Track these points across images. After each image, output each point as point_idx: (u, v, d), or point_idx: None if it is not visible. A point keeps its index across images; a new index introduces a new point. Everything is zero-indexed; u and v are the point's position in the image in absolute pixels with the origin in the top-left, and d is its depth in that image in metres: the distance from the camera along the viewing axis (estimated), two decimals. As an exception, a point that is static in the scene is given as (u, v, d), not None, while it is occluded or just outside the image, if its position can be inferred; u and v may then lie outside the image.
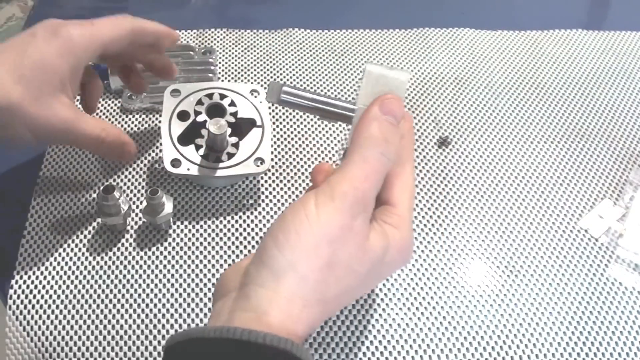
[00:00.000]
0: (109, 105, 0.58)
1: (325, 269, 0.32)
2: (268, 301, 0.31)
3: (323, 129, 0.57)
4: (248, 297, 0.32)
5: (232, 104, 0.51)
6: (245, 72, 0.62)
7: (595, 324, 0.46)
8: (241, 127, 0.50)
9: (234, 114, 0.51)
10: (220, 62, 0.62)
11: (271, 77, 0.61)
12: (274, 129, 0.57)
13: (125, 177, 0.53)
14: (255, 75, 0.61)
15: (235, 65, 0.62)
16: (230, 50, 0.64)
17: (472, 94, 0.61)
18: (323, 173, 0.38)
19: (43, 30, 0.43)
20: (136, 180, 0.53)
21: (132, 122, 0.57)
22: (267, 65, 0.62)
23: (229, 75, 0.61)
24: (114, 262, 0.48)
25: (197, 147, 0.49)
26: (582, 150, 0.57)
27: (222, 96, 0.51)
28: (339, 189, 0.32)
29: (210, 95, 0.51)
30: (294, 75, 0.62)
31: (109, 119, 0.57)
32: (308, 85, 0.61)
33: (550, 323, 0.46)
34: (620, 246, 0.50)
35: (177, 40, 0.50)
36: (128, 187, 0.52)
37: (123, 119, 0.57)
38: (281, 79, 0.61)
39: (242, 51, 0.64)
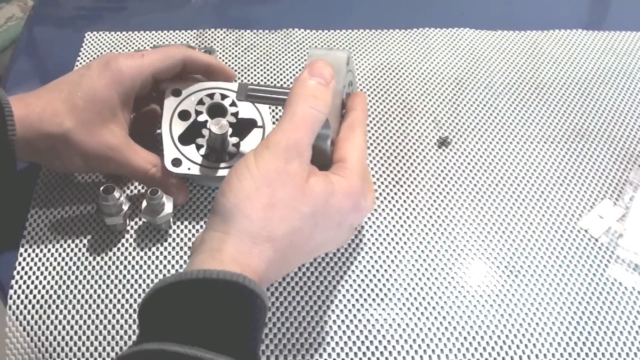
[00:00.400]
0: (109, 105, 0.58)
1: (268, 208, 0.35)
2: (219, 241, 0.35)
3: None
4: (204, 241, 0.36)
5: (233, 104, 0.51)
6: (245, 72, 0.62)
7: (595, 324, 0.46)
8: (242, 127, 0.50)
9: (235, 114, 0.51)
10: (220, 62, 0.62)
11: (271, 77, 0.61)
12: None
13: (126, 177, 0.53)
14: (255, 75, 0.61)
15: (235, 65, 0.62)
16: (230, 50, 0.64)
17: (472, 94, 0.61)
18: None
19: (97, 63, 0.46)
20: (136, 180, 0.53)
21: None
22: (267, 65, 0.62)
23: (229, 75, 0.61)
24: (114, 262, 0.48)
25: (198, 147, 0.49)
26: (582, 150, 0.57)
27: (223, 96, 0.51)
28: (272, 139, 0.37)
29: (211, 95, 0.51)
30: (294, 75, 0.62)
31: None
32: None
33: (550, 323, 0.46)
34: (620, 246, 0.50)
35: (234, 78, 0.53)
36: (128, 187, 0.52)
37: (123, 119, 0.57)
38: (281, 79, 0.61)
39: (242, 51, 0.64)
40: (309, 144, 0.38)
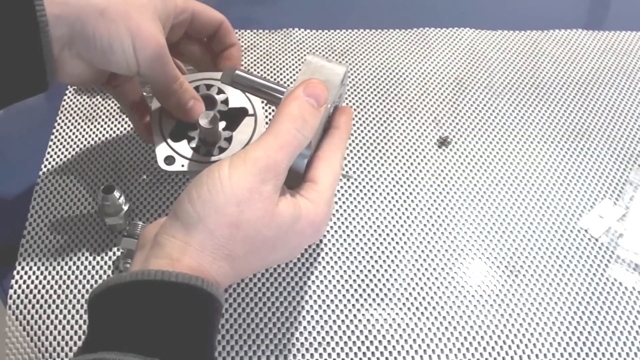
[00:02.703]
0: (108, 104, 0.58)
1: (233, 227, 0.34)
2: (180, 250, 0.34)
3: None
4: (161, 245, 0.34)
5: (222, 93, 0.50)
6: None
7: (595, 324, 0.46)
8: (233, 116, 0.49)
9: (225, 103, 0.50)
10: (220, 62, 0.62)
11: (271, 77, 0.61)
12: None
13: (125, 177, 0.53)
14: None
15: (235, 65, 0.62)
16: (230, 50, 0.64)
17: (472, 94, 0.61)
18: None
19: None
20: (136, 180, 0.53)
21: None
22: (267, 65, 0.62)
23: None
24: (114, 263, 0.48)
25: (190, 142, 0.48)
26: (582, 150, 0.57)
27: (210, 86, 0.50)
28: (252, 154, 0.35)
29: (198, 88, 0.50)
30: (294, 75, 0.62)
31: (109, 119, 0.57)
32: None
33: (550, 323, 0.46)
34: (620, 246, 0.50)
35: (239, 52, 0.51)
36: (128, 187, 0.52)
37: (123, 120, 0.57)
38: (281, 79, 0.61)
39: (242, 51, 0.64)
40: (287, 165, 0.36)
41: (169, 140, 0.47)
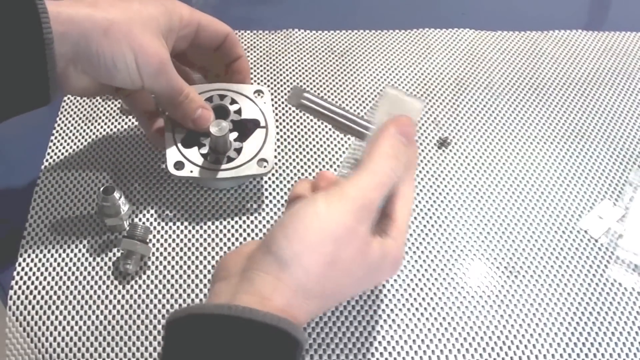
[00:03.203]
0: (108, 106, 0.58)
1: (328, 266, 0.33)
2: (272, 288, 0.32)
3: (327, 132, 0.57)
4: (252, 281, 0.33)
5: (235, 103, 0.51)
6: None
7: (595, 324, 0.46)
8: (245, 127, 0.50)
9: (238, 114, 0.50)
10: (220, 63, 0.62)
11: (271, 78, 0.61)
12: (278, 131, 0.57)
13: (126, 177, 0.53)
14: (255, 75, 0.61)
15: (235, 65, 0.62)
16: (230, 51, 0.64)
17: (472, 94, 0.61)
18: (326, 180, 0.40)
19: None
20: (136, 181, 0.53)
21: (133, 123, 0.57)
22: (268, 65, 0.62)
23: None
24: (113, 263, 0.48)
25: (200, 149, 0.48)
26: (582, 150, 0.57)
27: (223, 97, 0.51)
28: (349, 193, 0.34)
29: (210, 98, 0.51)
30: (294, 75, 0.62)
31: (109, 120, 0.57)
32: (308, 85, 0.61)
33: (550, 323, 0.46)
34: (620, 247, 0.51)
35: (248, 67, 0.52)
36: (128, 188, 0.52)
37: (123, 120, 0.57)
38: (281, 80, 0.61)
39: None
40: (380, 205, 0.36)
41: (180, 146, 0.48)
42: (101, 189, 0.46)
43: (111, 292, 0.46)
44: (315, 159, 0.55)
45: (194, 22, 0.47)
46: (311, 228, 0.33)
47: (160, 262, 0.48)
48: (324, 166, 0.54)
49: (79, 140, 0.55)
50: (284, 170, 0.54)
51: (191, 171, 0.47)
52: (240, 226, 0.50)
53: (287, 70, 0.62)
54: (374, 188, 0.35)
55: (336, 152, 0.56)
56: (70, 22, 0.39)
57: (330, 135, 0.57)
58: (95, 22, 0.40)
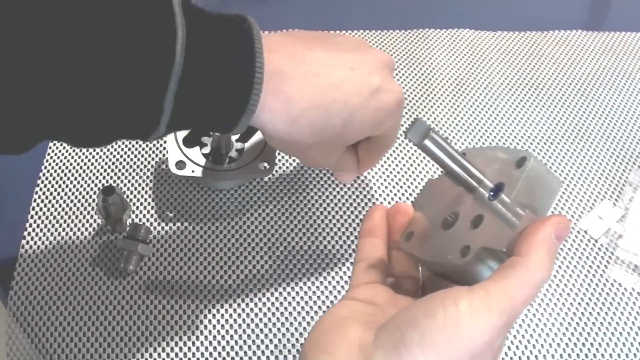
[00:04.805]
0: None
1: None
2: None
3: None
4: None
5: None
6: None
7: (594, 324, 0.46)
8: (246, 129, 0.50)
9: None
10: (220, 63, 0.62)
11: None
12: None
13: (126, 178, 0.53)
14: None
15: (235, 65, 0.62)
16: (230, 51, 0.64)
17: (472, 94, 0.61)
18: (403, 214, 0.36)
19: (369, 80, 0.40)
20: (136, 181, 0.53)
21: (132, 123, 0.57)
22: (267, 65, 0.62)
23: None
24: (113, 264, 0.48)
25: (202, 149, 0.49)
26: (582, 150, 0.57)
27: None
28: (498, 305, 0.29)
29: None
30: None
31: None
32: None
33: (550, 323, 0.46)
34: (620, 247, 0.51)
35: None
36: (128, 188, 0.52)
37: (123, 120, 0.57)
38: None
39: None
40: None
41: (182, 146, 0.48)
42: (101, 189, 0.46)
43: (111, 292, 0.46)
44: (315, 159, 0.55)
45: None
46: (452, 341, 0.28)
47: (161, 263, 0.48)
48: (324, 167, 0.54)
49: (79, 141, 0.55)
50: (284, 171, 0.54)
51: (193, 171, 0.47)
52: (241, 227, 0.50)
53: (287, 70, 0.62)
54: (523, 302, 0.30)
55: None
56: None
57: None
58: (297, 139, 0.37)
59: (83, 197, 0.51)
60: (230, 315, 0.46)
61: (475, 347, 0.29)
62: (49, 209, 0.51)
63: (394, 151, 0.56)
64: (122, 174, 0.53)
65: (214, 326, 0.45)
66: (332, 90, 0.37)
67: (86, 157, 0.54)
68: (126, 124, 0.33)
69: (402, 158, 0.55)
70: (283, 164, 0.54)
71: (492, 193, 0.33)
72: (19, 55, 0.30)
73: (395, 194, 0.53)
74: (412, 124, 0.32)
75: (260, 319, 0.46)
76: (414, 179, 0.54)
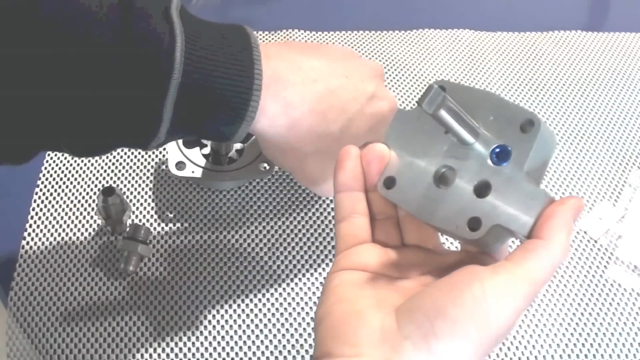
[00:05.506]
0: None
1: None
2: None
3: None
4: None
5: None
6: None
7: (594, 324, 0.46)
8: None
9: None
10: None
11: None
12: None
13: (126, 178, 0.53)
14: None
15: (235, 66, 0.62)
16: (230, 51, 0.64)
17: (471, 95, 0.61)
18: (380, 160, 0.34)
19: (363, 88, 0.41)
20: (136, 181, 0.53)
21: (132, 123, 0.57)
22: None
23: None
24: (113, 264, 0.48)
25: (202, 150, 0.49)
26: (582, 151, 0.57)
27: None
28: (523, 289, 0.28)
29: None
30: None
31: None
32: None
33: (550, 324, 0.46)
34: (620, 247, 0.51)
35: None
36: (128, 189, 0.52)
37: (123, 120, 0.57)
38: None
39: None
40: None
41: (182, 146, 0.48)
42: (101, 190, 0.46)
43: (111, 292, 0.46)
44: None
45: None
46: (481, 329, 0.27)
47: (161, 263, 0.48)
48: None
49: (79, 141, 0.55)
50: (284, 172, 0.54)
51: (193, 172, 0.47)
52: (241, 227, 0.50)
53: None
54: (544, 283, 0.29)
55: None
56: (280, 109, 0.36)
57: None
58: (294, 142, 0.37)
59: (83, 197, 0.51)
60: (230, 315, 0.46)
61: (501, 331, 0.28)
62: (49, 209, 0.51)
63: (393, 152, 0.56)
64: (122, 175, 0.53)
65: (214, 326, 0.45)
66: (329, 96, 0.37)
67: (87, 158, 0.54)
68: (125, 133, 0.33)
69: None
70: (283, 165, 0.54)
71: (495, 157, 0.30)
72: (21, 69, 0.30)
73: (395, 195, 0.53)
74: (427, 92, 0.29)
75: (260, 319, 0.46)
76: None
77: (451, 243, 0.49)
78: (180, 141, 0.49)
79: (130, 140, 0.34)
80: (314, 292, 0.47)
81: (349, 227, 0.33)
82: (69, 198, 0.51)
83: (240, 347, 0.44)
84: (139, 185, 0.52)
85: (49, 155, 0.54)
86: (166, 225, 0.50)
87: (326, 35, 0.66)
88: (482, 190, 0.30)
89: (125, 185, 0.52)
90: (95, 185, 0.52)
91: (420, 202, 0.32)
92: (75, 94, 0.31)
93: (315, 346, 0.29)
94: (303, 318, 0.46)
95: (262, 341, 0.45)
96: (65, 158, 0.54)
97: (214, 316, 0.46)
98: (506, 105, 0.31)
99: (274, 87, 0.35)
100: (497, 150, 0.30)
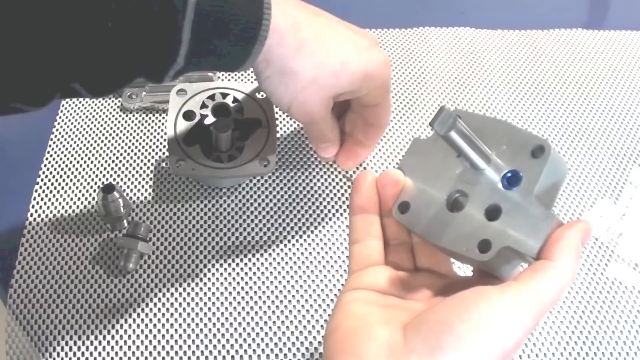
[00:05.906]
0: (108, 104, 0.58)
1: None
2: None
3: (323, 128, 0.57)
4: None
5: (237, 102, 0.51)
6: (245, 73, 0.62)
7: (595, 323, 0.46)
8: (247, 126, 0.50)
9: (240, 113, 0.51)
10: (220, 62, 0.62)
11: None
12: (280, 130, 0.56)
13: (126, 176, 0.53)
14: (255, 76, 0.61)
15: (235, 64, 0.62)
16: (230, 50, 0.64)
17: (472, 93, 0.61)
18: (394, 185, 0.35)
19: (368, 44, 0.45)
20: (137, 179, 0.53)
21: (132, 122, 0.57)
22: (267, 64, 0.62)
23: (229, 76, 0.61)
24: (113, 262, 0.48)
25: (203, 147, 0.48)
26: (582, 149, 0.57)
27: (226, 95, 0.51)
28: (530, 309, 0.29)
29: (214, 96, 0.51)
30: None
31: (109, 119, 0.57)
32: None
33: (550, 322, 0.46)
34: (620, 245, 0.51)
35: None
36: (128, 186, 0.52)
37: (123, 118, 0.57)
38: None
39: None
40: None
41: (182, 143, 0.48)
42: (101, 188, 0.46)
43: (111, 290, 0.46)
44: (317, 159, 0.55)
45: (361, 92, 0.43)
46: (487, 346, 0.28)
47: (161, 261, 0.48)
48: (324, 165, 0.54)
49: (78, 139, 0.55)
50: (284, 170, 0.54)
51: (193, 169, 0.47)
52: (241, 225, 0.50)
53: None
54: (552, 304, 0.29)
55: (336, 151, 0.55)
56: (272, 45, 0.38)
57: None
58: (290, 66, 0.39)
59: (83, 195, 0.51)
60: (231, 313, 0.46)
61: (507, 349, 0.28)
62: (48, 207, 0.51)
63: (394, 149, 0.56)
64: (122, 172, 0.53)
65: (214, 324, 0.45)
66: (333, 33, 0.40)
67: (86, 155, 0.54)
68: (145, 57, 0.34)
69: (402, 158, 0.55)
70: (283, 163, 0.54)
71: (506, 181, 0.31)
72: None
73: (395, 193, 0.53)
74: (438, 113, 0.30)
75: (261, 317, 0.46)
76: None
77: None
78: (180, 138, 0.48)
79: (149, 66, 0.35)
80: (314, 290, 0.47)
81: (363, 249, 0.34)
82: (68, 195, 0.51)
83: (241, 345, 0.44)
84: (139, 182, 0.52)
85: (48, 153, 0.54)
86: (166, 222, 0.50)
87: (326, 33, 0.66)
88: (492, 213, 0.31)
89: (125, 183, 0.52)
90: (95, 183, 0.52)
91: (432, 225, 0.33)
92: (96, 20, 0.31)
93: (324, 359, 0.30)
94: (303, 316, 0.46)
95: (262, 339, 0.45)
96: (65, 156, 0.54)
97: (213, 314, 0.46)
98: (517, 132, 0.32)
99: (284, 4, 0.37)
100: (509, 175, 0.31)
